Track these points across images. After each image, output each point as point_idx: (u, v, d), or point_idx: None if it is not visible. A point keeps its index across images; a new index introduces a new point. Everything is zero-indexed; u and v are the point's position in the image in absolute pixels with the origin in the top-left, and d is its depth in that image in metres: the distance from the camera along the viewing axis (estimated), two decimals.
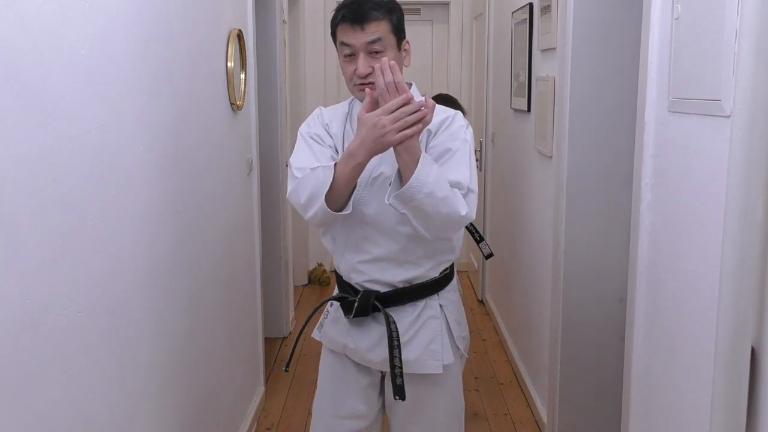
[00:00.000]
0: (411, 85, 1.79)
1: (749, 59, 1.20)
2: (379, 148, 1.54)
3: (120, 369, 1.56)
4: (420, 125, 1.52)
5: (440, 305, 1.81)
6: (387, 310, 1.75)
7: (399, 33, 1.70)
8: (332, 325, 1.88)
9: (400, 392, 1.72)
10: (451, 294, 1.87)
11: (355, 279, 1.79)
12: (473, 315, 4.57)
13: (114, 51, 1.53)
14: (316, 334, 1.93)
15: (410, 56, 1.76)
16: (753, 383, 1.25)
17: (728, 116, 1.30)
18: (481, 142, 4.79)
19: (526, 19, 3.26)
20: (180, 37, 2.02)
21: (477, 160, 4.94)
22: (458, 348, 1.85)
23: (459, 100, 3.38)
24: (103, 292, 1.47)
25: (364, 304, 1.75)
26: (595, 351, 2.75)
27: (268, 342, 3.91)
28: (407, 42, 1.74)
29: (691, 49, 1.48)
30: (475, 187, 1.69)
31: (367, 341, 1.80)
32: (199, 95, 2.22)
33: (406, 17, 1.76)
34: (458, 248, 1.84)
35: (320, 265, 5.41)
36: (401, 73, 1.68)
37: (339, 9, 1.69)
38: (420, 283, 1.78)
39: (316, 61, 5.30)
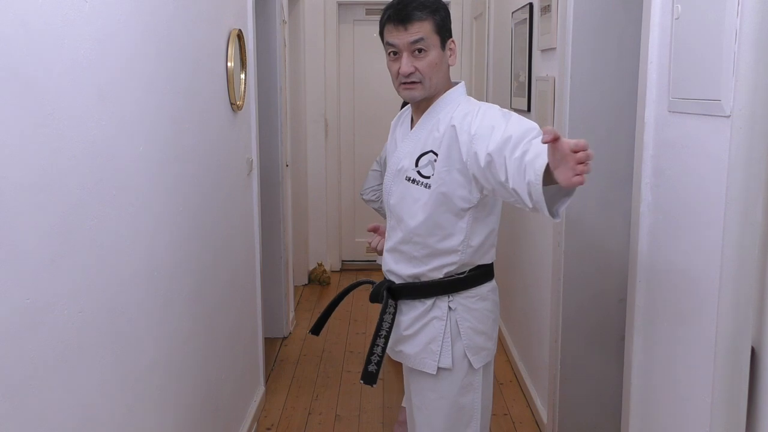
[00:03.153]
0: (457, 83, 1.81)
1: (749, 59, 1.20)
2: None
3: (120, 369, 1.56)
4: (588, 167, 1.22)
5: (449, 307, 1.80)
6: (400, 302, 1.84)
7: (443, 33, 1.74)
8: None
9: (367, 378, 1.79)
10: (471, 301, 1.82)
11: (383, 267, 1.91)
12: None
13: (114, 51, 1.53)
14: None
15: (456, 55, 1.79)
16: (753, 383, 1.25)
17: (728, 116, 1.30)
18: None
19: (526, 19, 3.26)
20: (180, 37, 2.02)
21: None
22: (465, 355, 1.80)
23: None
24: (103, 292, 1.47)
25: (377, 290, 1.87)
26: (595, 351, 2.75)
27: (268, 342, 3.91)
28: (452, 41, 1.78)
29: (691, 49, 1.48)
30: (520, 117, 1.58)
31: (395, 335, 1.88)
32: (199, 95, 2.22)
33: None
34: (463, 253, 1.77)
35: (320, 265, 5.40)
36: (447, 71, 1.77)
37: (386, 9, 1.76)
38: (426, 282, 1.80)
39: (316, 61, 5.30)
